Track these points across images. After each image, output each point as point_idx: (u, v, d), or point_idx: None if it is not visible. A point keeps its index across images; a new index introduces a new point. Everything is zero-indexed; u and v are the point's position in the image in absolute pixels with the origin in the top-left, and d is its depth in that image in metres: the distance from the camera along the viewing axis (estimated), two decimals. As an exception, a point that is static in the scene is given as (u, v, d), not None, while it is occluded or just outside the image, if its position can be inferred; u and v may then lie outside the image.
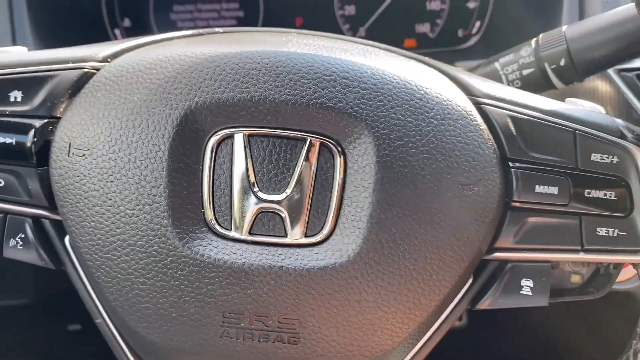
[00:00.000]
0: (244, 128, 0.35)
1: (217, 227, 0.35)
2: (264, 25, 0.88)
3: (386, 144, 0.34)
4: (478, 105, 0.37)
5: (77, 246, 0.36)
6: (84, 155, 0.35)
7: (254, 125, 0.35)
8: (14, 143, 0.36)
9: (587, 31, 0.51)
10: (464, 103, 0.36)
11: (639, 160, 0.36)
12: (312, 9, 0.88)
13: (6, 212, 0.37)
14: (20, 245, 0.37)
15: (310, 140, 0.35)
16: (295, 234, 0.35)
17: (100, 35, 0.85)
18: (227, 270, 0.34)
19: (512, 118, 0.36)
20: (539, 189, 0.35)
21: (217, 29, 0.45)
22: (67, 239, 0.38)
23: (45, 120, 0.37)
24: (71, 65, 0.38)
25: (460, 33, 0.87)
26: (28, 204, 0.37)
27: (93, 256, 0.35)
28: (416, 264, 0.34)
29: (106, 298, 0.36)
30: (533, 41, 0.55)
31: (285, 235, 0.35)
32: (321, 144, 0.35)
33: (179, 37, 0.43)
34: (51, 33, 0.75)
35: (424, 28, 0.88)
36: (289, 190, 0.34)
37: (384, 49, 0.42)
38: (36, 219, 0.38)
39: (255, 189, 0.35)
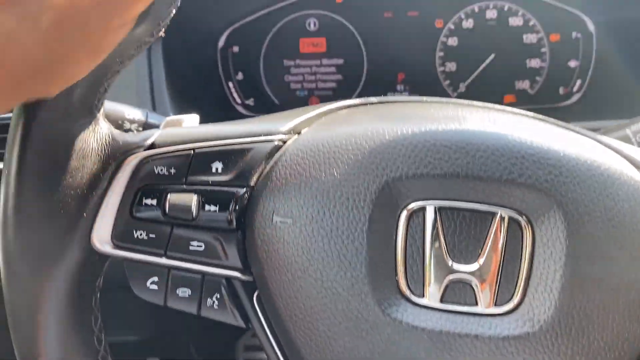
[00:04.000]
0: (436, 200, 0.37)
1: (410, 295, 0.37)
2: (367, 78, 0.92)
3: (575, 218, 0.36)
4: None
5: (275, 307, 0.39)
6: (287, 223, 0.38)
7: (445, 198, 0.37)
8: (217, 211, 0.39)
9: None
10: (638, 177, 0.38)
11: None
12: (413, 65, 0.92)
13: (204, 274, 0.40)
14: (216, 305, 0.40)
15: (500, 214, 0.37)
16: (486, 303, 0.37)
17: (216, 88, 0.91)
18: (424, 336, 0.36)
19: None
20: None
21: (371, 99, 0.48)
22: (254, 299, 0.41)
23: (244, 189, 0.40)
24: (262, 138, 0.41)
25: (561, 91, 0.89)
26: (224, 266, 0.40)
27: (293, 318, 0.38)
28: (605, 333, 0.36)
29: (301, 356, 0.38)
30: None
31: (477, 304, 0.37)
32: (510, 218, 0.37)
33: (345, 107, 0.46)
34: (180, 90, 0.81)
35: (523, 85, 0.90)
36: (481, 261, 0.37)
37: (553, 124, 0.44)
38: (228, 280, 0.40)
39: (447, 259, 0.37)
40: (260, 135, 0.41)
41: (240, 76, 0.92)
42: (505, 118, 0.41)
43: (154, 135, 0.41)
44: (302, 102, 0.93)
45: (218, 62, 0.91)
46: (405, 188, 0.37)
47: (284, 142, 0.41)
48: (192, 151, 0.40)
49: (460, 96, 0.91)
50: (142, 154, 0.40)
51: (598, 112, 0.83)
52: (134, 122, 0.57)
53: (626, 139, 0.60)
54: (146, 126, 0.58)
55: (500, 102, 0.91)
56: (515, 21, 0.89)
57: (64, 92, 0.34)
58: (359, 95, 0.93)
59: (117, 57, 0.36)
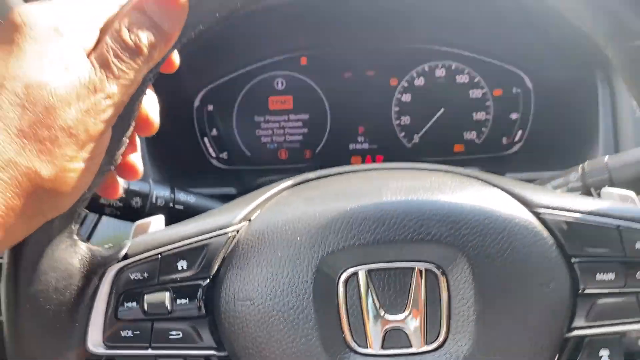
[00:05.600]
0: (365, 265, 0.44)
1: (357, 347, 0.44)
2: (330, 132, 1.01)
3: (478, 263, 0.43)
4: (537, 215, 0.46)
5: None
6: (246, 305, 0.45)
7: (371, 262, 0.44)
8: (187, 302, 0.46)
9: (628, 162, 0.62)
10: (527, 216, 0.45)
11: None
12: (372, 119, 1.01)
13: (186, 357, 0.47)
14: None
15: (417, 268, 0.44)
16: (418, 344, 0.44)
17: (193, 143, 1.00)
18: None
19: (566, 222, 0.45)
20: (599, 277, 0.44)
21: (309, 175, 0.55)
22: None
23: (207, 280, 0.46)
24: (217, 232, 0.47)
25: (504, 140, 0.99)
26: (201, 348, 0.46)
27: None
28: (516, 352, 0.44)
29: None
30: (580, 168, 0.65)
31: (411, 346, 0.44)
32: (427, 270, 0.44)
33: (286, 189, 0.53)
34: (159, 148, 0.89)
35: (471, 135, 1.00)
36: (408, 309, 0.44)
37: (464, 175, 0.51)
38: (207, 358, 0.47)
39: (381, 312, 0.44)
40: (215, 230, 0.48)
41: (214, 132, 1.01)
42: (415, 183, 0.49)
43: (126, 247, 0.48)
44: (272, 154, 1.02)
45: (194, 120, 1.00)
46: (338, 259, 0.45)
47: (238, 231, 0.48)
48: (159, 255, 0.47)
49: (414, 146, 1.00)
50: (118, 265, 0.47)
51: (538, 161, 0.92)
52: None
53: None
54: (127, 192, 0.66)
55: (451, 152, 1.00)
56: (462, 78, 0.99)
57: (45, 226, 0.41)
58: (324, 147, 1.02)
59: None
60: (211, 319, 0.47)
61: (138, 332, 0.46)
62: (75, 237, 0.46)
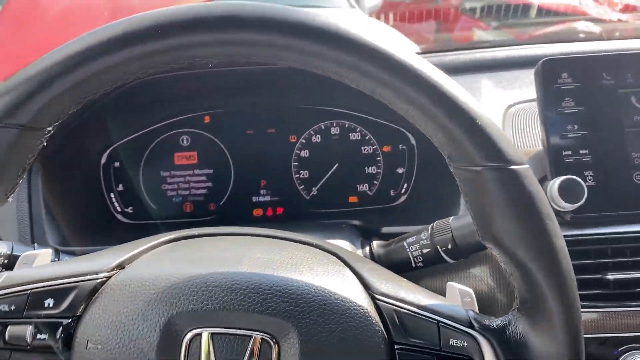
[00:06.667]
0: (208, 328, 0.49)
1: None
2: (234, 185, 1.07)
3: (307, 338, 0.48)
4: (374, 301, 0.52)
5: None
6: (97, 349, 0.49)
7: (215, 326, 0.49)
8: (47, 338, 0.50)
9: (466, 224, 0.72)
10: (363, 301, 0.51)
11: (481, 345, 0.50)
12: (273, 173, 1.08)
13: None
14: None
15: (254, 337, 0.49)
16: None
17: (99, 199, 1.03)
18: None
19: (396, 312, 0.51)
20: None
21: (193, 231, 0.60)
22: None
23: (70, 320, 0.50)
24: (88, 277, 0.52)
25: (392, 193, 1.08)
26: None
27: None
28: None
29: None
30: (429, 227, 0.75)
31: None
32: (262, 339, 0.49)
33: (165, 242, 0.58)
34: (62, 206, 0.92)
35: (364, 188, 1.09)
36: None
37: (326, 251, 0.57)
38: None
39: None
40: (86, 274, 0.52)
41: (120, 187, 1.05)
42: (274, 257, 0.54)
43: (0, 278, 0.52)
44: (178, 207, 1.07)
45: (100, 177, 1.04)
46: (186, 319, 0.49)
47: (109, 277, 0.52)
48: (29, 291, 0.51)
49: (313, 198, 1.08)
50: None
51: (419, 213, 1.02)
52: (1, 256, 0.69)
53: (403, 249, 0.77)
54: (11, 258, 0.69)
55: (346, 202, 1.09)
56: (354, 136, 1.08)
57: None
58: (228, 199, 1.08)
59: None
60: (67, 358, 0.50)
61: None
62: None
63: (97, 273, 0.52)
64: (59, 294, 0.51)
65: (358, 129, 1.08)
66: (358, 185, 1.08)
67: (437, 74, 0.45)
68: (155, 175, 1.06)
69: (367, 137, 1.08)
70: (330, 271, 0.54)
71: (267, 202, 1.08)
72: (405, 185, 1.08)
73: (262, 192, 1.08)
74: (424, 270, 0.75)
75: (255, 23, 0.44)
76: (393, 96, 0.46)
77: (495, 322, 0.52)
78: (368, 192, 1.08)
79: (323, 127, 1.08)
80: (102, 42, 0.44)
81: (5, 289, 0.51)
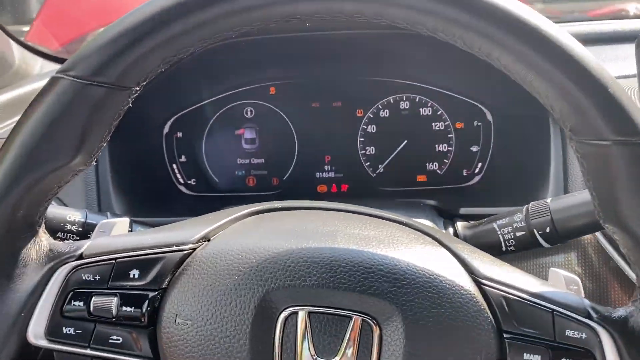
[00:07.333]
0: (306, 307, 0.46)
1: None
2: (298, 160, 1.04)
3: (412, 322, 0.45)
4: (479, 286, 0.48)
5: None
6: (187, 325, 0.47)
7: (313, 305, 0.46)
8: (132, 311, 0.48)
9: (567, 206, 0.66)
10: (469, 286, 0.47)
11: (601, 337, 0.46)
12: (338, 148, 1.04)
13: None
14: None
15: (355, 318, 0.46)
16: None
17: (162, 170, 1.01)
18: None
19: (505, 298, 0.47)
20: (526, 356, 0.46)
21: (276, 204, 0.57)
22: None
23: (156, 292, 0.48)
24: (174, 248, 0.50)
25: (464, 172, 1.02)
26: (138, 356, 0.48)
27: None
28: None
29: None
30: (524, 209, 0.69)
31: None
32: (363, 320, 0.46)
33: (250, 214, 0.55)
34: (126, 176, 0.91)
35: (433, 166, 1.03)
36: (339, 356, 0.45)
37: (420, 231, 0.53)
38: None
39: (314, 354, 0.46)
40: (172, 245, 0.50)
41: (183, 158, 1.03)
42: (369, 233, 0.51)
43: (83, 247, 0.50)
44: (240, 181, 1.04)
45: (163, 147, 1.02)
46: (282, 296, 0.46)
47: (195, 249, 0.50)
48: (114, 261, 0.49)
49: (379, 176, 1.03)
50: (73, 264, 0.49)
51: (495, 195, 0.95)
52: (75, 224, 0.67)
53: (493, 231, 0.72)
54: (85, 226, 0.68)
55: (414, 181, 1.04)
56: (425, 111, 1.03)
57: (10, 212, 0.44)
58: (291, 174, 1.04)
59: (54, 183, 0.46)
60: (152, 331, 0.48)
61: (80, 331, 0.48)
62: (38, 229, 0.48)
63: (182, 244, 0.50)
64: (144, 265, 0.49)
65: (429, 104, 1.02)
66: (427, 164, 1.03)
67: (566, 37, 0.40)
68: (218, 147, 1.04)
69: (438, 112, 1.02)
70: (430, 252, 0.50)
71: (331, 178, 1.04)
72: (480, 164, 1.01)
73: (326, 167, 1.04)
74: (509, 255, 0.70)
75: None
76: (511, 59, 0.41)
77: (616, 312, 0.47)
78: (438, 171, 1.03)
79: (392, 101, 1.03)
80: None
81: (89, 257, 0.49)
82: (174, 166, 1.03)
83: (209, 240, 0.51)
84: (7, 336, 0.47)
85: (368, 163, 1.04)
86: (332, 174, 1.04)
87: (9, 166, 0.44)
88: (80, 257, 0.49)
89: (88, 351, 0.48)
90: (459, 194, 1.00)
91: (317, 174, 1.04)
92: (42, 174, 0.45)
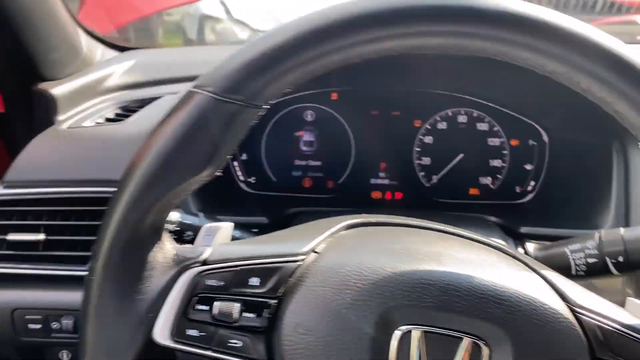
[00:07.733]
0: (421, 326, 0.48)
1: None
2: (353, 165, 1.06)
3: (520, 348, 0.47)
4: (574, 314, 0.49)
5: None
6: (308, 334, 0.48)
7: (428, 324, 0.48)
8: (254, 317, 0.50)
9: None
10: (569, 315, 0.49)
11: None
12: (394, 156, 1.06)
13: None
14: None
15: (466, 339, 0.47)
16: None
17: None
18: None
19: (600, 328, 0.48)
20: None
21: (370, 218, 0.58)
22: None
23: (275, 300, 0.50)
24: (288, 258, 0.51)
25: (517, 189, 1.04)
26: None
27: None
28: None
29: None
30: (596, 237, 0.70)
31: None
32: (473, 342, 0.47)
33: (347, 227, 0.56)
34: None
35: (486, 181, 1.05)
36: None
37: (512, 257, 0.55)
38: None
39: None
40: (287, 256, 0.52)
41: (244, 156, 1.06)
42: (473, 257, 0.53)
43: (206, 252, 0.52)
44: (297, 181, 1.07)
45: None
46: (399, 314, 0.48)
47: (304, 260, 0.51)
48: (236, 268, 0.51)
49: (433, 186, 1.06)
50: (198, 269, 0.51)
51: (548, 213, 0.98)
52: (173, 223, 0.70)
53: (564, 255, 0.74)
54: (182, 225, 0.71)
55: (467, 194, 1.06)
56: (482, 126, 1.05)
57: (141, 217, 0.46)
58: (347, 179, 1.07)
59: (182, 192, 0.48)
60: (270, 337, 0.50)
61: (204, 334, 0.50)
62: (163, 234, 0.50)
63: (295, 255, 0.52)
64: (264, 273, 0.51)
65: (486, 119, 1.04)
66: (481, 178, 1.05)
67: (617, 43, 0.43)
68: (278, 147, 1.06)
69: (495, 129, 1.04)
70: (527, 278, 0.52)
71: (385, 185, 1.07)
72: (533, 183, 1.03)
73: (380, 174, 1.07)
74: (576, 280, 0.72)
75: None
76: (571, 73, 0.44)
77: None
78: (491, 185, 1.05)
79: (450, 114, 1.05)
80: (348, 19, 0.43)
81: (213, 263, 0.51)
82: (235, 163, 1.05)
83: (315, 252, 0.53)
84: (135, 334, 0.49)
85: (422, 173, 1.06)
86: (386, 181, 1.07)
87: (145, 173, 0.47)
88: (204, 262, 0.51)
89: (209, 352, 0.50)
90: (509, 210, 1.02)
91: (372, 180, 1.07)
92: (174, 183, 0.47)
